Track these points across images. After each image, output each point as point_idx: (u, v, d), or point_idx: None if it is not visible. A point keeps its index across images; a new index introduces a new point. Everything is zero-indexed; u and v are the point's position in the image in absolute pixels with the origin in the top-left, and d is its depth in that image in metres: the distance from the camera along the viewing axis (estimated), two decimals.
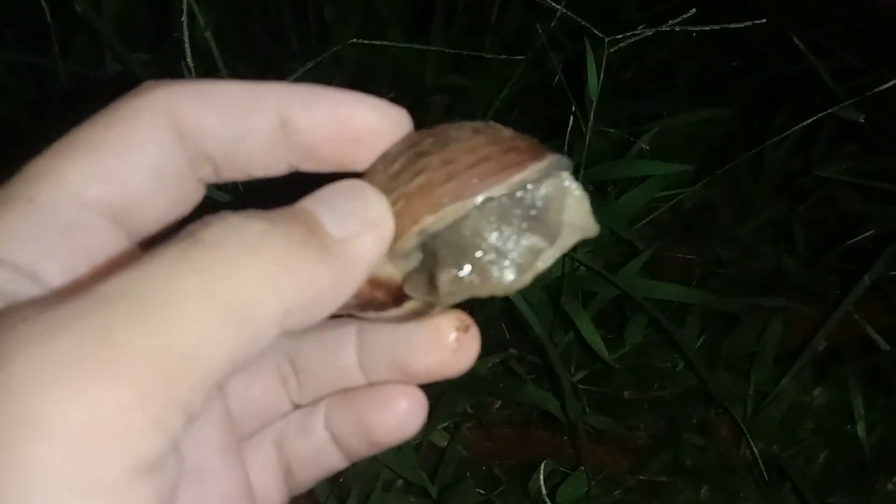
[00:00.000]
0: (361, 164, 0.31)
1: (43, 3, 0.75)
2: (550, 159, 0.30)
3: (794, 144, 1.23)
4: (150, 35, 1.14)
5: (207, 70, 0.83)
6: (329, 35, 1.26)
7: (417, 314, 0.32)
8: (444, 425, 0.96)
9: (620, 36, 0.76)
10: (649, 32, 0.76)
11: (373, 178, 0.31)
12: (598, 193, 0.99)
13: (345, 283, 0.28)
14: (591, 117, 0.77)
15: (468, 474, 0.94)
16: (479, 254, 0.30)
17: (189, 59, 0.65)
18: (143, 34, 1.15)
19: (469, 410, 1.00)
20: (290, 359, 0.36)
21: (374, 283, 0.31)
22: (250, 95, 0.29)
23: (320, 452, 0.36)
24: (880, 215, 1.08)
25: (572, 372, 1.00)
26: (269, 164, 0.31)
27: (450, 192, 0.29)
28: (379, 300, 0.31)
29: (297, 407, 0.36)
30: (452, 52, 1.01)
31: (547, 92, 1.15)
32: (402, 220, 0.30)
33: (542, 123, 1.16)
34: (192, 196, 0.31)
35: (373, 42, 0.92)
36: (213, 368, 0.22)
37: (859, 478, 0.95)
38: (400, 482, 0.91)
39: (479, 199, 0.29)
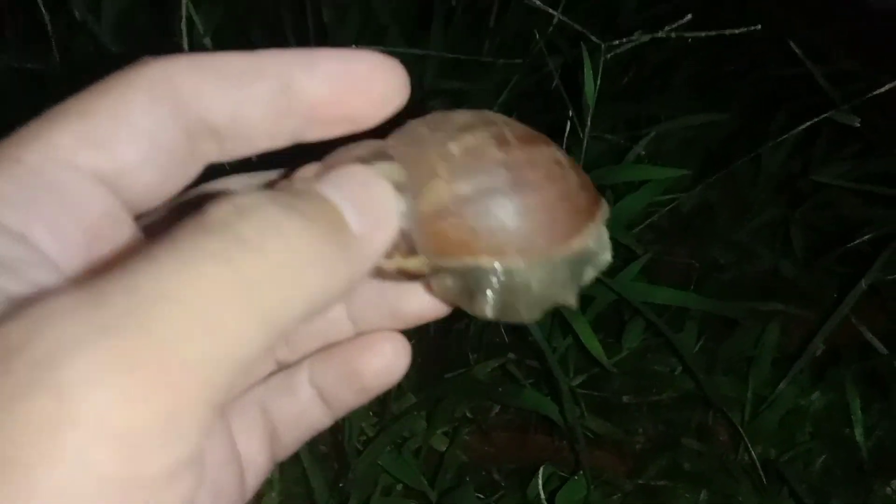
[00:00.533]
0: (366, 124, 0.31)
1: (41, 7, 0.75)
2: (603, 213, 0.33)
3: (793, 147, 1.23)
4: (149, 37, 1.14)
5: None
6: (327, 37, 1.26)
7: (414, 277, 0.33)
8: (444, 430, 0.96)
9: (617, 42, 0.76)
10: (646, 38, 0.76)
11: (433, 181, 0.31)
12: None
13: (357, 277, 0.28)
14: (588, 123, 0.77)
15: (467, 479, 0.94)
16: (519, 298, 0.32)
17: None
18: (142, 36, 1.15)
19: (468, 415, 1.00)
20: None
21: (400, 271, 0.32)
22: (249, 62, 0.29)
23: (306, 410, 0.36)
24: (878, 219, 1.08)
25: (571, 376, 1.00)
26: (274, 132, 0.30)
27: (516, 244, 0.31)
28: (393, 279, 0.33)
29: (280, 367, 0.37)
30: (451, 56, 1.01)
31: (545, 95, 1.15)
32: (460, 246, 0.31)
33: (541, 128, 1.16)
34: (189, 171, 0.30)
35: (371, 48, 0.91)
36: (246, 369, 0.23)
37: (857, 481, 0.95)
38: (399, 487, 0.91)
39: (540, 259, 0.31)
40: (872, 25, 1.46)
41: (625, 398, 1.03)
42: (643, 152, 0.98)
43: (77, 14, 0.82)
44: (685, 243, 1.24)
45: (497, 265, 0.31)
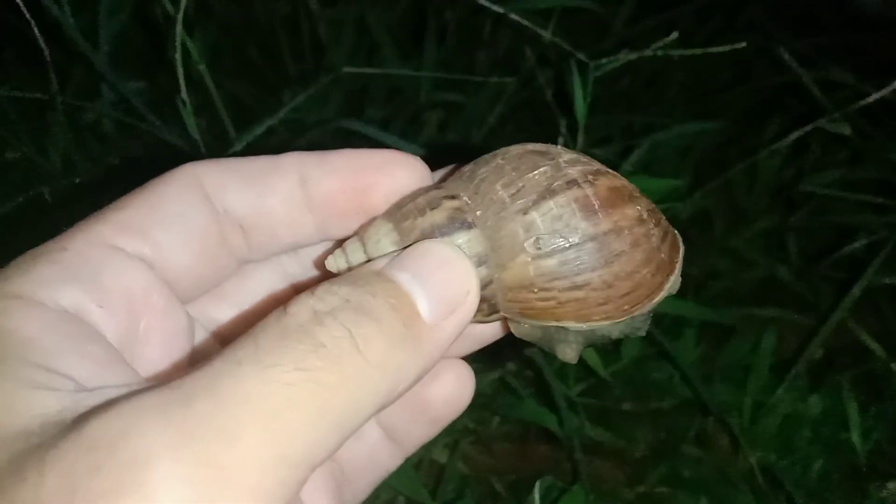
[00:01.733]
0: (377, 211, 0.33)
1: (38, 34, 0.76)
2: (681, 257, 0.34)
3: (787, 155, 1.24)
4: (145, 59, 1.15)
5: (202, 99, 0.84)
6: (324, 53, 1.27)
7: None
8: (444, 442, 0.97)
9: (605, 60, 0.77)
10: (633, 56, 0.77)
11: (517, 255, 0.32)
12: None
13: (429, 365, 0.29)
14: (580, 139, 0.78)
15: (468, 490, 0.94)
16: (599, 342, 0.34)
17: (184, 94, 0.66)
18: (138, 58, 1.16)
19: (469, 426, 1.00)
20: None
21: (479, 322, 0.34)
22: (269, 163, 0.32)
23: (375, 452, 0.37)
24: (869, 225, 1.09)
25: (571, 386, 1.01)
26: (295, 225, 0.33)
27: (602, 313, 0.32)
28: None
29: None
30: (444, 76, 1.03)
31: (539, 108, 1.16)
32: (547, 313, 0.32)
33: (535, 140, 1.17)
34: (224, 262, 0.33)
35: (365, 70, 0.93)
36: (317, 465, 0.25)
37: (854, 484, 0.95)
38: (401, 499, 0.92)
39: (625, 319, 0.33)
40: (862, 33, 1.47)
41: (624, 406, 1.03)
42: (630, 169, 0.99)
43: (78, 45, 0.83)
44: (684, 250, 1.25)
45: (584, 326, 0.32)
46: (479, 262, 0.32)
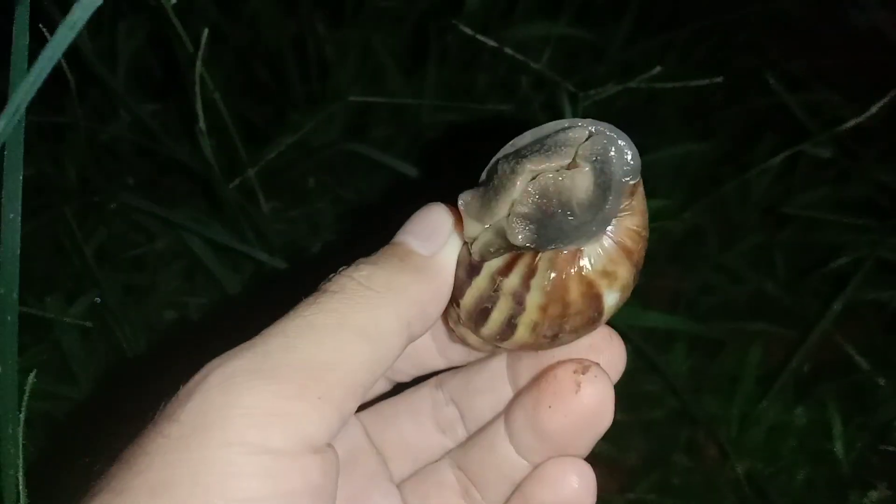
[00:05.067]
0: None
1: (63, 64, 0.80)
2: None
3: (776, 174, 1.28)
4: (159, 80, 1.20)
5: (213, 119, 0.88)
6: (329, 73, 1.32)
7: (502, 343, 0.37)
8: None
9: (593, 91, 0.81)
10: (619, 88, 0.81)
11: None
12: None
13: (442, 288, 0.36)
14: None
15: None
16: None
17: (202, 123, 0.71)
18: (152, 79, 1.20)
19: None
20: (462, 467, 0.42)
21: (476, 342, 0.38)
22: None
23: None
24: (852, 244, 1.13)
25: None
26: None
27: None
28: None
29: None
30: (443, 104, 1.07)
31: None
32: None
33: None
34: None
35: (368, 99, 0.98)
36: (354, 372, 0.33)
37: (837, 492, 0.99)
38: None
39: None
40: (857, 54, 1.50)
41: (617, 417, 1.07)
42: None
43: (95, 69, 0.87)
44: (675, 267, 1.28)
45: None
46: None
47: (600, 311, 0.36)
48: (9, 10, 0.39)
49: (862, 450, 1.03)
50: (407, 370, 0.43)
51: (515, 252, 0.35)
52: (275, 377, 0.31)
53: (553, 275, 0.35)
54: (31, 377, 0.50)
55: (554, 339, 0.36)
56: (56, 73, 0.38)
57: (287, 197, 1.11)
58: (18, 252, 0.42)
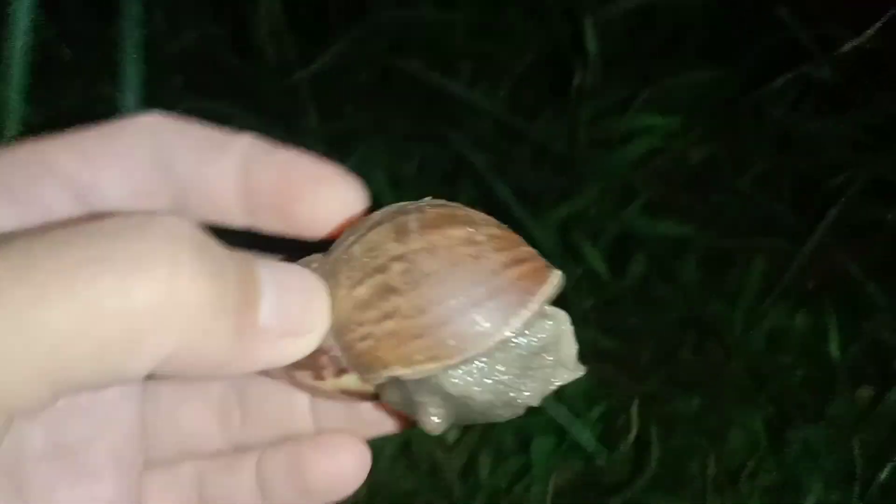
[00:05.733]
0: (311, 229, 0.31)
1: None
2: (543, 292, 0.27)
3: (790, 103, 1.35)
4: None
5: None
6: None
7: (351, 395, 0.30)
8: None
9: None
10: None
11: (336, 291, 0.28)
12: (603, 145, 1.13)
13: (241, 368, 0.27)
14: (587, 79, 0.90)
15: None
16: (466, 405, 0.28)
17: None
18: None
19: None
20: (239, 392, 0.34)
21: (345, 392, 0.29)
22: (221, 136, 0.31)
23: (240, 495, 0.34)
24: (852, 163, 1.21)
25: (582, 301, 1.14)
26: (224, 202, 0.32)
27: (423, 350, 0.26)
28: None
29: (235, 448, 0.35)
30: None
31: (560, 56, 1.27)
32: (372, 358, 0.27)
33: (555, 87, 1.29)
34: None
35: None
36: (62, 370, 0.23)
37: (830, 388, 1.08)
38: None
39: (456, 361, 0.26)
40: None
41: (630, 320, 1.17)
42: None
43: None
44: (691, 190, 1.36)
45: (411, 372, 0.27)
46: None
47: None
48: None
49: (855, 353, 1.12)
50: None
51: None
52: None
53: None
54: None
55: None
56: None
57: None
58: None
